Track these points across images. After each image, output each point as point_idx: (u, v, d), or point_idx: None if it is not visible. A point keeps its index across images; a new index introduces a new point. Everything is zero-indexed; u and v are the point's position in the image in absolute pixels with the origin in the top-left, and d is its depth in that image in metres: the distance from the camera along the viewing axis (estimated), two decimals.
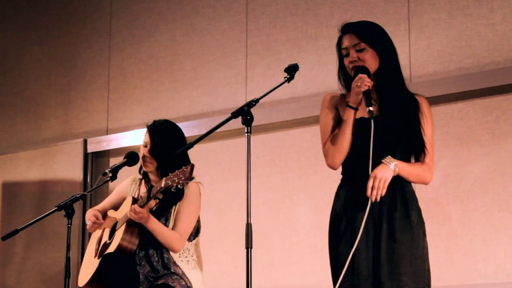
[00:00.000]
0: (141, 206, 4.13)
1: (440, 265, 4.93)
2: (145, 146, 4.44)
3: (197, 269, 4.34)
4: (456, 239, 4.98)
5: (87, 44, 6.93)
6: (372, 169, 3.39)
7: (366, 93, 3.42)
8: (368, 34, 3.52)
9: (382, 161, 3.41)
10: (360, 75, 3.45)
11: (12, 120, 7.26)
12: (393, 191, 3.47)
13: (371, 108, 3.38)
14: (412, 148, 3.51)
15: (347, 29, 3.56)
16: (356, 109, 3.46)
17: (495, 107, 4.98)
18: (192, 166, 3.97)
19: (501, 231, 4.85)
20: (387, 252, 3.41)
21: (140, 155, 4.45)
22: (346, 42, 3.55)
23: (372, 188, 3.36)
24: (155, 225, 4.20)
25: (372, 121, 3.37)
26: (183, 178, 3.97)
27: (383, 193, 3.37)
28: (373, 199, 3.37)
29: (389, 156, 3.42)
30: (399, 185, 3.48)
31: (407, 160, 3.52)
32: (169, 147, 4.36)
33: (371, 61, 3.51)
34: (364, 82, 3.42)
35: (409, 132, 3.48)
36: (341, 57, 3.59)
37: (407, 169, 3.46)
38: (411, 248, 3.42)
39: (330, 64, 5.58)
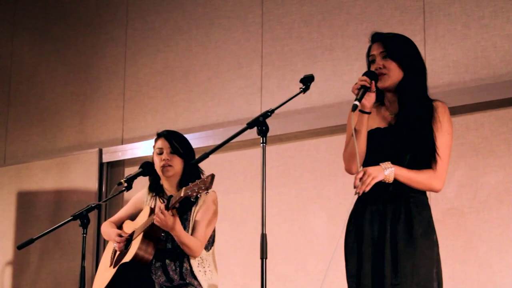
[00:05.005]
0: None
1: (455, 276, 4.91)
2: (161, 153, 4.44)
3: (213, 279, 4.35)
4: (471, 251, 4.95)
5: (103, 54, 6.96)
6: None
7: (362, 89, 3.44)
8: (393, 46, 3.55)
9: (380, 163, 3.42)
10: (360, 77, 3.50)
11: (27, 129, 7.29)
12: (397, 203, 3.48)
13: (356, 103, 3.39)
14: (421, 155, 3.49)
15: (376, 38, 3.61)
16: (367, 113, 3.48)
17: (511, 118, 4.96)
18: (213, 176, 3.97)
19: None
20: (390, 263, 3.42)
21: (157, 162, 4.43)
22: (374, 50, 3.58)
23: (360, 180, 3.38)
24: (181, 231, 4.19)
25: (354, 114, 3.42)
26: (203, 188, 3.97)
27: (367, 189, 3.37)
28: (357, 191, 3.38)
29: (389, 162, 3.43)
30: (406, 197, 3.48)
31: (417, 169, 3.50)
32: (185, 148, 4.42)
33: (395, 71, 3.52)
34: (360, 80, 3.46)
35: (419, 141, 3.47)
36: (368, 65, 3.62)
37: (406, 175, 3.44)
38: (413, 259, 3.40)
39: (345, 75, 5.59)
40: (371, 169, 3.39)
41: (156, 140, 4.52)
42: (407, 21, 5.40)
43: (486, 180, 4.97)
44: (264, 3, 6.10)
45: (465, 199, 5.02)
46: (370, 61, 3.60)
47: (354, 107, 3.39)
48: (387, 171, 3.40)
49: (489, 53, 5.08)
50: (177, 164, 4.42)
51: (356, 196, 3.45)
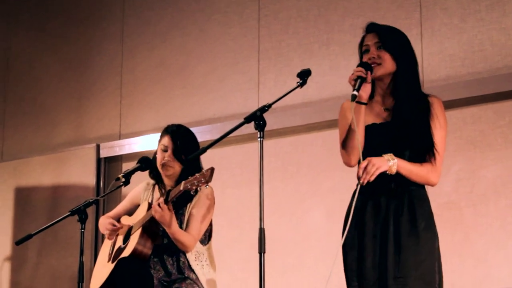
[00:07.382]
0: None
1: (453, 270, 4.92)
2: (165, 150, 4.42)
3: (211, 274, 4.35)
4: (469, 244, 4.96)
5: (99, 49, 6.96)
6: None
7: (359, 79, 3.43)
8: (388, 38, 3.54)
9: (383, 155, 3.43)
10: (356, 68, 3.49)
11: (25, 125, 7.29)
12: (400, 196, 3.49)
13: (355, 93, 3.39)
14: (421, 151, 3.50)
15: (371, 28, 3.60)
16: (363, 104, 3.48)
17: (508, 112, 4.97)
18: (212, 170, 3.96)
19: None
20: (393, 256, 3.42)
21: (159, 159, 4.42)
22: (368, 40, 3.57)
23: (364, 170, 3.37)
24: (176, 227, 4.19)
25: (353, 104, 3.40)
26: (203, 181, 3.96)
27: (371, 179, 3.37)
28: (361, 181, 3.37)
29: (391, 154, 3.44)
30: (408, 191, 3.49)
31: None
32: (189, 151, 4.38)
33: (388, 61, 3.52)
34: (356, 71, 3.45)
35: (417, 137, 3.48)
36: (361, 55, 3.61)
37: (408, 167, 3.44)
38: (416, 253, 3.41)
39: (342, 69, 5.59)
40: (375, 159, 3.39)
41: (162, 135, 4.49)
42: (403, 15, 5.40)
43: (483, 174, 4.98)
44: None
45: (462, 193, 5.03)
46: (363, 51, 3.59)
47: (353, 97, 3.39)
48: (390, 162, 3.40)
49: (485, 47, 5.08)
50: (177, 166, 4.42)
51: (357, 190, 3.44)
